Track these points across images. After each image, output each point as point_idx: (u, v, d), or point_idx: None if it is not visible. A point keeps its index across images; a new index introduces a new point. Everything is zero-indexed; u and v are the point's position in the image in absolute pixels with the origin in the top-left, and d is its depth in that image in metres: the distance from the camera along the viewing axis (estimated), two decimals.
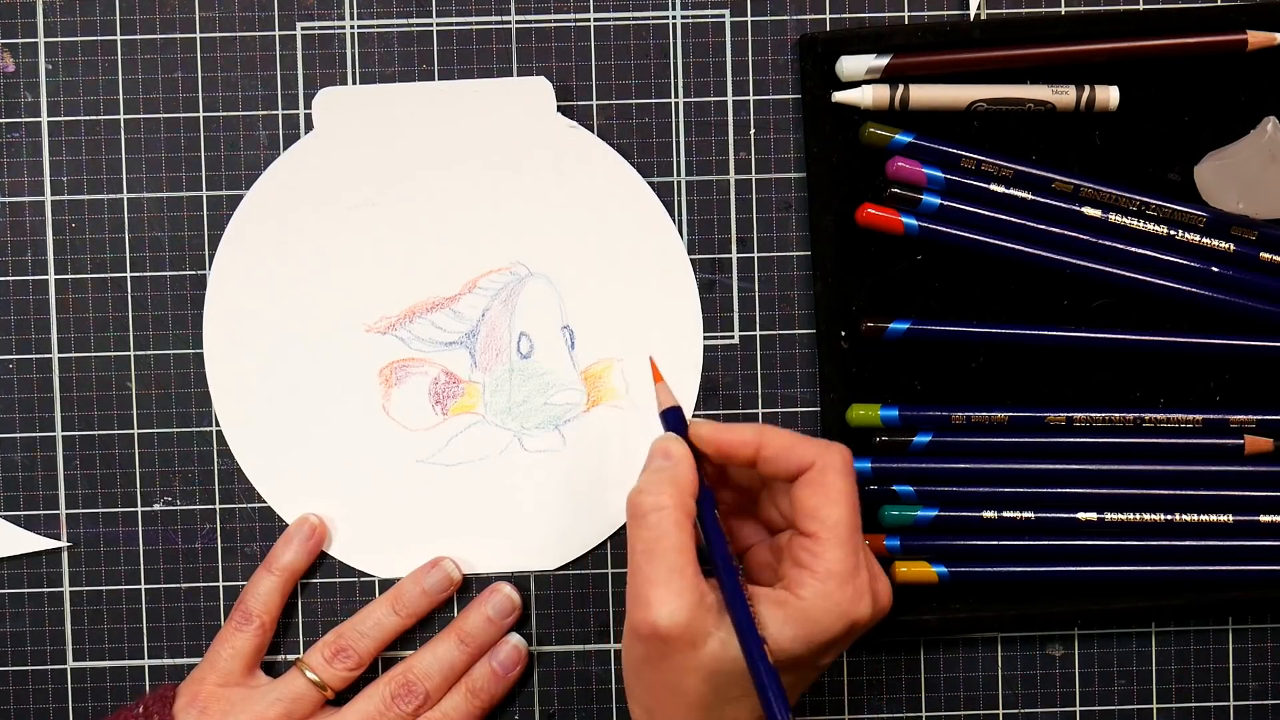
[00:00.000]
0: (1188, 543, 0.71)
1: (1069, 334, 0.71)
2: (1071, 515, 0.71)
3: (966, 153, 0.70)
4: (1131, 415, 0.71)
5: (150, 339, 0.72)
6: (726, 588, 0.61)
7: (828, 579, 0.60)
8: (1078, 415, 0.71)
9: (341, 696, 0.70)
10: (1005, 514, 0.71)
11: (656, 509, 0.61)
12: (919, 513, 0.71)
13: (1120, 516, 0.71)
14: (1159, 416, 0.71)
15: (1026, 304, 0.72)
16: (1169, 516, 0.71)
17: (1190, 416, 0.71)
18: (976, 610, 0.72)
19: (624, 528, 0.72)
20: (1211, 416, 0.71)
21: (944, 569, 0.71)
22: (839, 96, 0.70)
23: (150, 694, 0.70)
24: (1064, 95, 0.70)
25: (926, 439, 0.71)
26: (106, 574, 0.72)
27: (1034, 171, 0.70)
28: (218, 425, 0.72)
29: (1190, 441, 0.71)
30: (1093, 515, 0.71)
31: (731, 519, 0.67)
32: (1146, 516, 0.71)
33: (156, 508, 0.72)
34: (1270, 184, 0.71)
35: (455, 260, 0.72)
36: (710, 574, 0.61)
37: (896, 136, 0.70)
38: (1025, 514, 0.71)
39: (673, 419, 0.65)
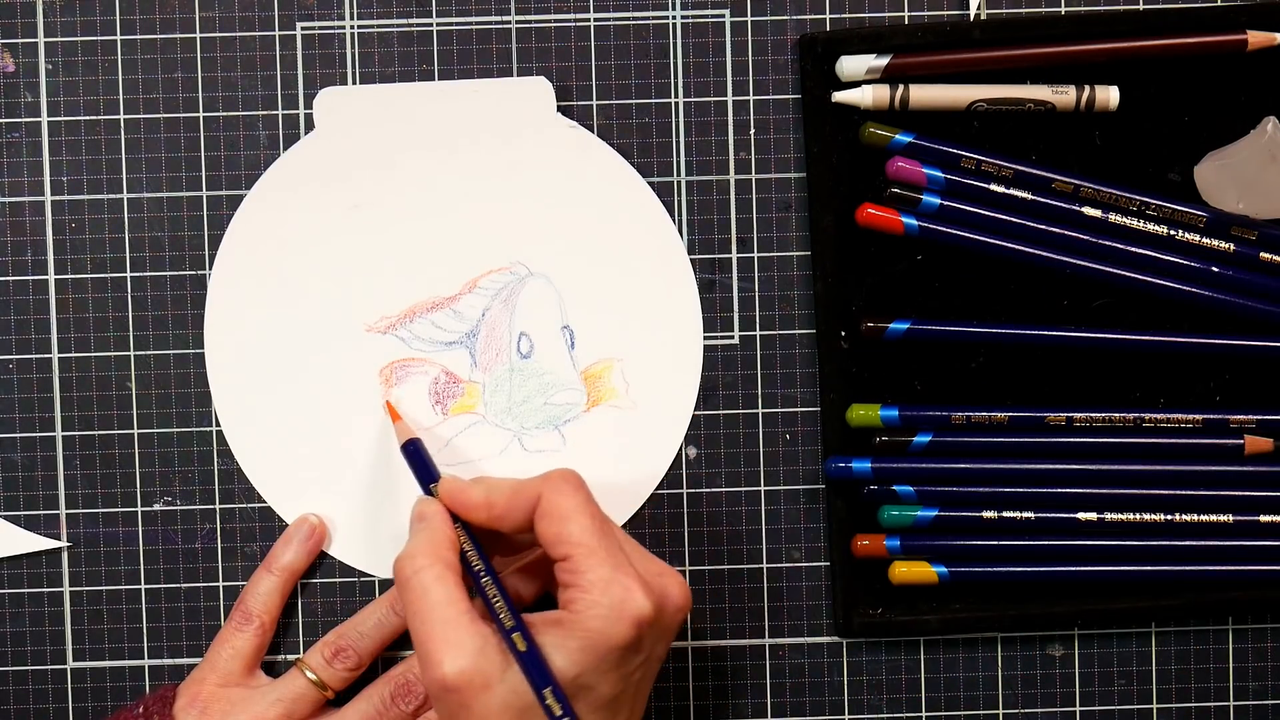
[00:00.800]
0: (1188, 543, 0.71)
1: (1069, 334, 0.71)
2: (1071, 515, 0.71)
3: (966, 153, 0.70)
4: (1131, 415, 0.71)
5: (150, 339, 0.72)
6: (496, 623, 0.61)
7: (592, 588, 0.61)
8: (1078, 415, 0.71)
9: (342, 696, 0.70)
10: (1005, 514, 0.71)
11: (414, 571, 0.62)
12: (919, 513, 0.71)
13: (1120, 516, 0.71)
14: (1159, 416, 0.71)
15: (1026, 304, 0.72)
16: (1169, 516, 0.71)
17: (1190, 416, 0.71)
18: (976, 610, 0.72)
19: (624, 528, 0.72)
20: (1211, 416, 0.71)
21: (944, 569, 0.71)
22: (839, 96, 0.70)
23: (150, 694, 0.70)
24: (1064, 95, 0.70)
25: (926, 439, 0.71)
26: (106, 574, 0.72)
27: (1034, 171, 0.70)
28: (218, 425, 0.72)
29: (1190, 441, 0.71)
30: (1093, 515, 0.71)
31: (531, 576, 0.68)
32: (1146, 516, 0.71)
33: (156, 508, 0.72)
34: (1270, 184, 0.71)
35: (455, 260, 0.72)
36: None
37: (896, 136, 0.70)
38: (1025, 514, 0.71)
39: (410, 450, 0.68)
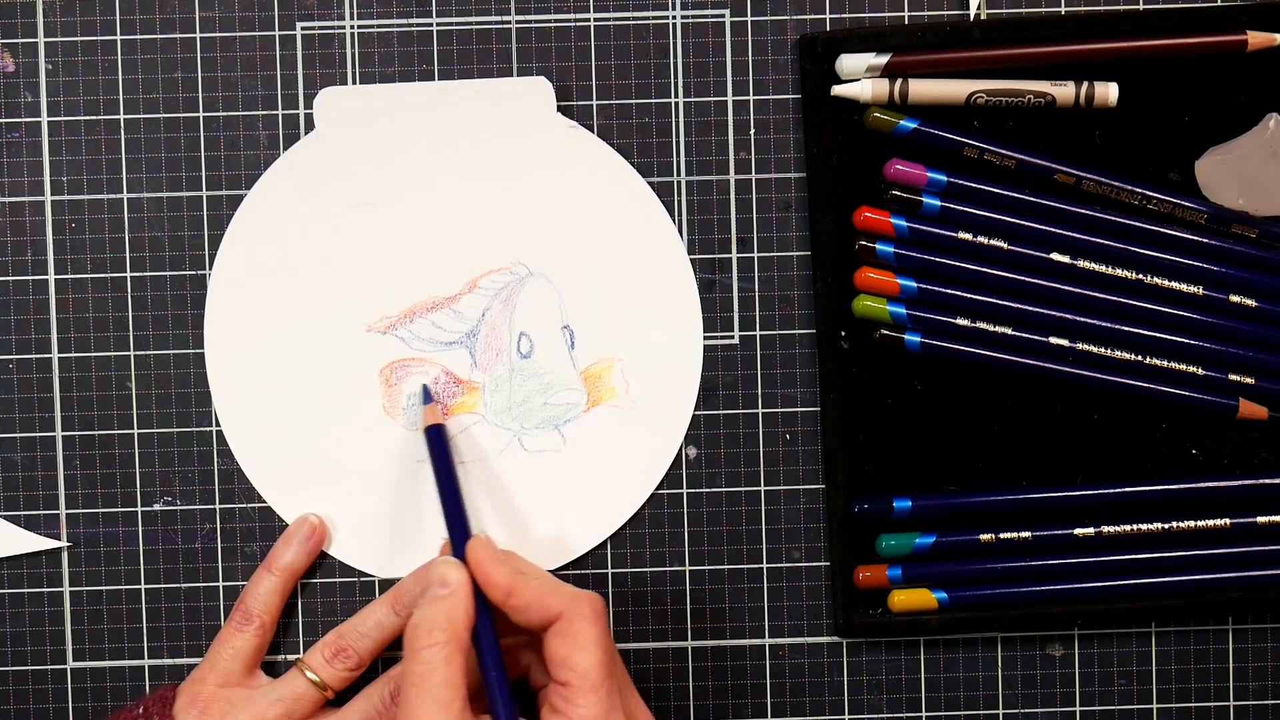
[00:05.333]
0: (1186, 553, 0.71)
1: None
2: (1068, 531, 0.71)
3: (970, 140, 0.70)
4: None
5: (150, 339, 0.72)
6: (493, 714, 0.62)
7: None
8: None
9: (342, 696, 0.70)
10: (1003, 535, 0.71)
11: (429, 644, 0.62)
12: (917, 539, 0.71)
13: (1117, 529, 0.71)
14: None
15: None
16: (1165, 525, 0.71)
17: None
18: (976, 610, 0.72)
19: (624, 528, 0.72)
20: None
21: (944, 594, 0.71)
22: (838, 90, 0.70)
23: (150, 694, 0.70)
24: (1063, 88, 0.70)
25: (917, 339, 0.71)
26: (106, 574, 0.72)
27: (1036, 161, 0.70)
28: (218, 425, 0.72)
29: (1185, 394, 0.72)
30: (1090, 530, 0.71)
31: (519, 653, 0.68)
32: (1143, 527, 0.71)
33: (156, 508, 0.72)
34: (1271, 180, 0.71)
35: (455, 260, 0.72)
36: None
37: (901, 123, 0.70)
38: (1023, 533, 0.71)
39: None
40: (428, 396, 0.70)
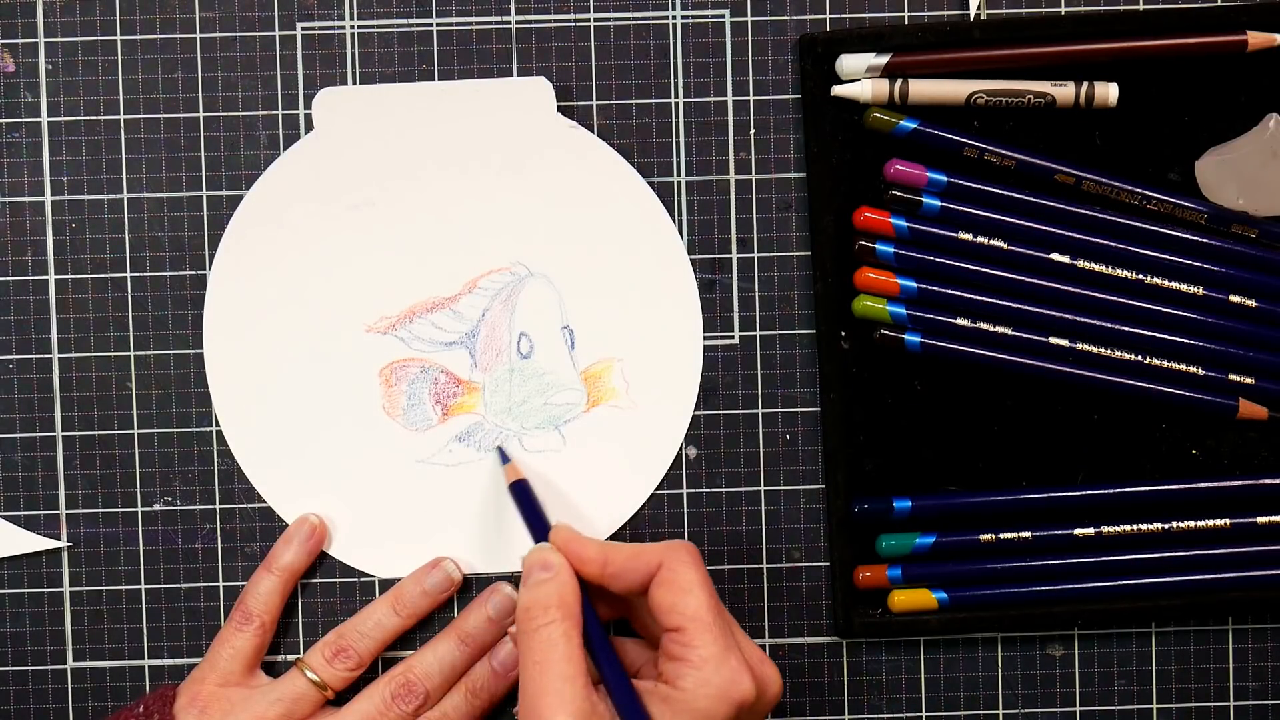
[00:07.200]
0: (1186, 553, 0.71)
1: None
2: (1068, 531, 0.71)
3: (970, 140, 0.70)
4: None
5: (150, 339, 0.72)
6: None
7: (703, 665, 0.61)
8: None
9: (342, 696, 0.70)
10: (1003, 535, 0.71)
11: (546, 622, 0.62)
12: (917, 540, 0.71)
13: (1117, 529, 0.71)
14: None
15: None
16: (1165, 525, 0.71)
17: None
18: (976, 610, 0.72)
19: (623, 528, 0.72)
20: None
21: (943, 594, 0.71)
22: (838, 90, 0.70)
23: (150, 694, 0.70)
24: (1063, 88, 0.71)
25: (917, 339, 0.71)
26: (106, 574, 0.72)
27: (1036, 161, 0.70)
28: (218, 425, 0.72)
29: (1185, 393, 0.72)
30: (1090, 530, 0.71)
31: (630, 654, 0.69)
32: (1143, 527, 0.71)
33: (156, 508, 0.72)
34: (1271, 180, 0.71)
35: (455, 260, 0.72)
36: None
37: (901, 123, 0.70)
38: (1023, 534, 0.71)
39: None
40: (505, 457, 0.71)
